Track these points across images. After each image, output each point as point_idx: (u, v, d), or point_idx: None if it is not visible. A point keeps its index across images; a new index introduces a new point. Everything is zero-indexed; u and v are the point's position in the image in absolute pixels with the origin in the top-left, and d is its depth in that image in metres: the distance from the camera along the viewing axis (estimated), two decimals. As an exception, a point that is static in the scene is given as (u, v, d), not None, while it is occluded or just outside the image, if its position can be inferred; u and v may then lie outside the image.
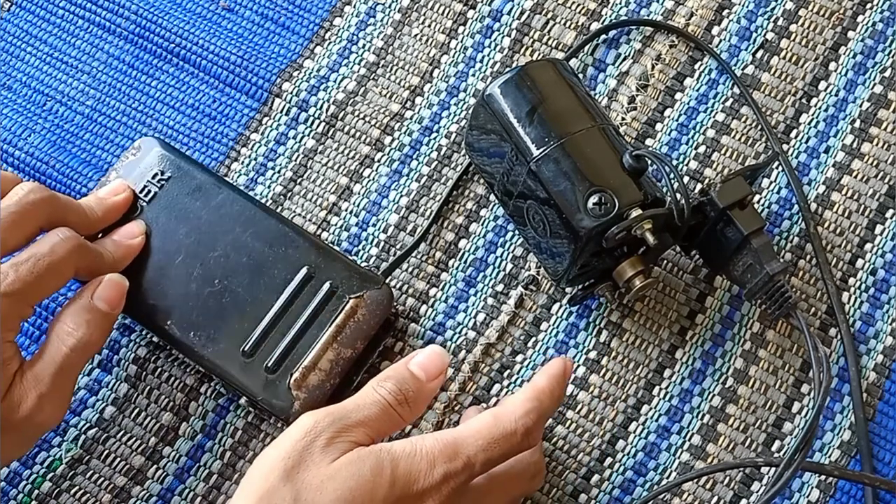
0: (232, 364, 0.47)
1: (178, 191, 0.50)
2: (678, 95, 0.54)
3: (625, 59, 0.54)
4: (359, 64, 0.55)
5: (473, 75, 0.55)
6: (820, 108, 0.53)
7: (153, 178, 0.50)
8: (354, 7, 0.56)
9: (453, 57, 0.55)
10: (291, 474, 0.37)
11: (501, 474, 0.41)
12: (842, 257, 0.51)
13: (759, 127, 0.53)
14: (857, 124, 0.53)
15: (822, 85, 0.53)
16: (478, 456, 0.38)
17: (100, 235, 0.48)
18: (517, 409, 0.40)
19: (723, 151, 0.53)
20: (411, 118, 0.54)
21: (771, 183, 0.52)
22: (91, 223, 0.47)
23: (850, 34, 0.54)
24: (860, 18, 0.54)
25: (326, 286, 0.48)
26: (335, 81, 0.55)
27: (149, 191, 0.50)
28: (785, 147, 0.52)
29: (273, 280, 0.48)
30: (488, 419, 0.39)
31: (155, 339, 0.50)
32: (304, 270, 0.48)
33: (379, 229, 0.52)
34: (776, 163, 0.52)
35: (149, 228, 0.49)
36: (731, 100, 0.53)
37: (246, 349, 0.47)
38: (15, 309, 0.42)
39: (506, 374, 0.50)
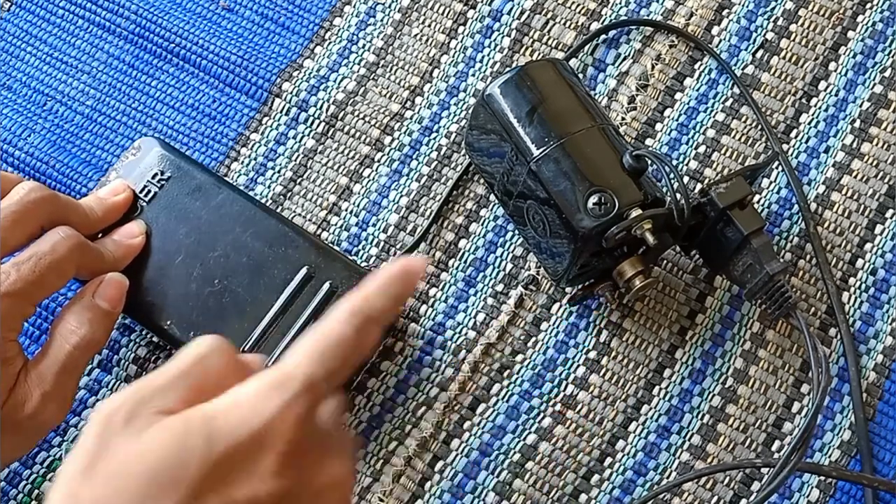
0: (232, 364, 0.47)
1: (178, 191, 0.50)
2: (678, 95, 0.54)
3: (625, 59, 0.54)
4: (359, 64, 0.55)
5: (473, 75, 0.55)
6: (820, 108, 0.53)
7: (153, 178, 0.50)
8: (354, 7, 0.56)
9: (453, 57, 0.55)
10: (88, 472, 0.31)
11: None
12: (842, 257, 0.51)
13: (759, 127, 0.53)
14: (857, 124, 0.53)
15: (822, 85, 0.53)
16: (316, 371, 0.33)
17: (100, 235, 0.48)
18: (340, 311, 0.35)
19: (723, 151, 0.53)
20: (411, 118, 0.54)
21: (771, 183, 0.52)
22: (91, 223, 0.47)
23: (850, 34, 0.54)
24: (860, 18, 0.54)
25: (326, 286, 0.48)
26: (335, 81, 0.55)
27: (149, 191, 0.50)
28: (785, 147, 0.52)
29: (273, 280, 0.48)
30: (310, 333, 0.35)
31: (155, 339, 0.50)
32: (304, 270, 0.48)
33: (379, 229, 0.52)
34: (776, 163, 0.52)
35: (149, 228, 0.49)
36: (731, 100, 0.53)
37: (246, 349, 0.47)
38: (17, 308, 0.42)
39: (506, 374, 0.50)
